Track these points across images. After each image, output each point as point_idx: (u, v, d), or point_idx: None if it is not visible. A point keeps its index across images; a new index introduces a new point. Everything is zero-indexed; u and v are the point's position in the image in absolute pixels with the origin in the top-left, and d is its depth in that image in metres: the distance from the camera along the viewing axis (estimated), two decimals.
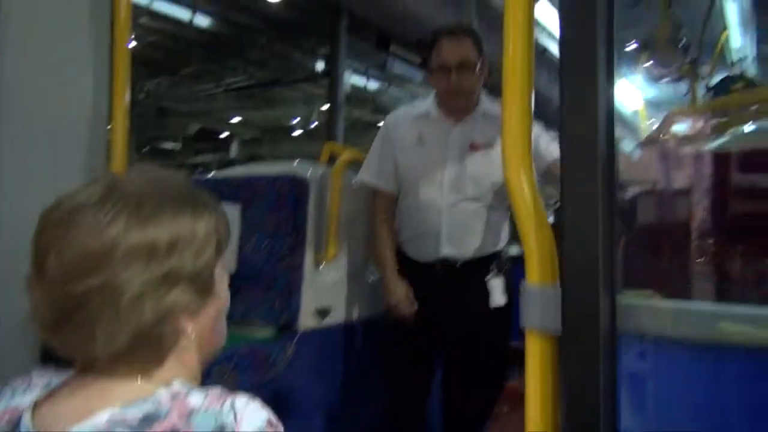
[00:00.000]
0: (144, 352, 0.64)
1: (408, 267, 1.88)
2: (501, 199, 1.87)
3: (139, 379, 0.65)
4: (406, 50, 4.09)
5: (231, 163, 9.83)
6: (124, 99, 1.26)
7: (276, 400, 1.67)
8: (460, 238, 1.86)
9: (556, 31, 0.66)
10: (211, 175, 2.35)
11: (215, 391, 0.64)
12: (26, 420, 0.62)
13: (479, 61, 1.82)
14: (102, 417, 0.59)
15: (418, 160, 1.89)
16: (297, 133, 12.32)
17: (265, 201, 2.09)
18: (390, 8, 3.87)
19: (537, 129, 1.89)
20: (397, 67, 3.96)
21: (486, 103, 1.91)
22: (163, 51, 7.82)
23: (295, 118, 11.42)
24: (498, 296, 1.88)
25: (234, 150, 11.28)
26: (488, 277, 1.87)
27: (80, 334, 0.62)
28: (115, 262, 0.61)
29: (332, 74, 2.76)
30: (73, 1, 1.18)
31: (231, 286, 2.47)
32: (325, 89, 8.02)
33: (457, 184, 1.85)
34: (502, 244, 1.95)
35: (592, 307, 0.58)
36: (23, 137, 1.10)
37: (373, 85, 8.49)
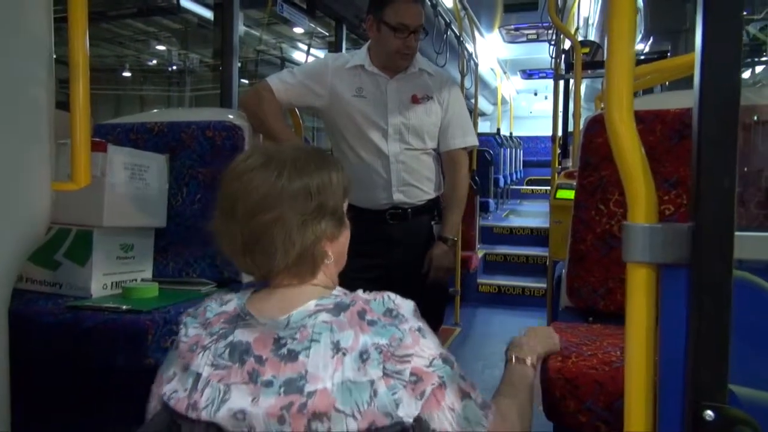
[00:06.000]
0: (305, 267, 0.91)
1: (360, 216, 1.86)
2: (435, 147, 1.96)
3: (307, 285, 0.92)
4: None
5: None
6: (84, 40, 1.12)
7: None
8: (408, 184, 1.90)
9: None
10: (119, 120, 2.07)
11: (361, 293, 0.89)
12: (244, 311, 0.90)
13: None
14: (309, 305, 0.87)
15: (358, 110, 1.87)
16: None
17: (195, 150, 1.92)
18: None
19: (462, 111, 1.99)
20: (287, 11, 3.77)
21: (422, 61, 1.96)
22: None
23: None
24: None
25: None
26: (434, 222, 1.96)
27: (265, 253, 0.88)
28: (285, 201, 0.87)
29: (224, 23, 2.52)
30: None
31: (161, 242, 2.26)
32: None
33: (401, 134, 1.88)
34: (440, 190, 2.01)
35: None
36: None
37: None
